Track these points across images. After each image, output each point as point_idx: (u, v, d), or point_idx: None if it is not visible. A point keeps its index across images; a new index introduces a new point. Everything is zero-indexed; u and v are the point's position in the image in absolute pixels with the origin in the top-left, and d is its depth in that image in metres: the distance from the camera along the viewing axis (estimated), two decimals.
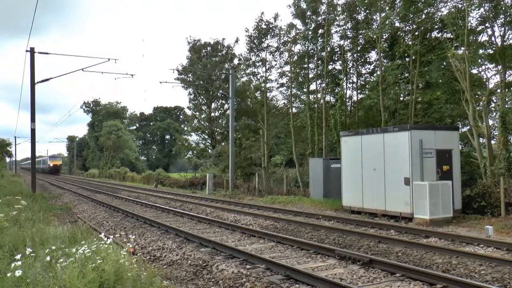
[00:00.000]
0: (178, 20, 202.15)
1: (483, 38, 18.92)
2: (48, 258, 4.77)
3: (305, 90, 29.67)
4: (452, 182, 13.00)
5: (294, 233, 11.28)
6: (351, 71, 27.68)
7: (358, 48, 26.32)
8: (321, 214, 14.36)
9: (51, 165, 77.85)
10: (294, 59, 29.30)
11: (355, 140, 14.98)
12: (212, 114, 44.29)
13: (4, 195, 15.37)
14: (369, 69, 28.02)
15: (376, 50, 23.68)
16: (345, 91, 27.35)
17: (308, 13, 26.68)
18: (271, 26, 30.46)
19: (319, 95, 28.23)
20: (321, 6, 26.13)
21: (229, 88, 27.62)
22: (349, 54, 27.05)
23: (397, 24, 22.45)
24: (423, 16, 20.81)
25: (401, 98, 24.17)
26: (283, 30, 30.03)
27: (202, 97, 43.81)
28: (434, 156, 13.23)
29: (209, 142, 44.98)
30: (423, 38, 21.12)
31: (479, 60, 18.61)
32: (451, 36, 18.96)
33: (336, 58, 27.81)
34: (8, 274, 4.32)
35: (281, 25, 32.02)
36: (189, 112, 50.10)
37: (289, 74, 30.55)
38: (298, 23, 28.07)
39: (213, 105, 44.13)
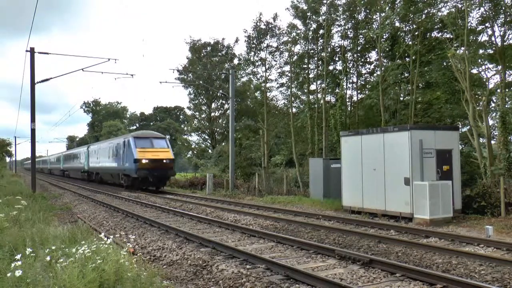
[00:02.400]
0: (178, 20, 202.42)
1: (483, 38, 18.95)
2: (48, 258, 4.77)
3: (305, 90, 29.69)
4: (452, 182, 12.98)
5: (294, 233, 11.27)
6: (351, 71, 27.72)
7: (358, 48, 26.34)
8: (321, 214, 14.36)
9: (144, 160, 25.71)
10: (294, 59, 29.32)
11: (355, 140, 14.97)
12: (212, 114, 44.34)
13: (4, 195, 15.36)
14: (369, 69, 28.08)
15: (376, 50, 23.69)
16: (345, 91, 27.39)
17: (309, 13, 26.70)
18: (270, 26, 30.48)
19: (319, 95, 28.25)
20: (322, 7, 26.15)
21: (229, 88, 27.61)
22: (349, 54, 27.07)
23: (397, 24, 22.48)
24: (423, 16, 20.83)
25: (401, 98, 24.20)
26: (283, 30, 30.08)
27: (202, 97, 43.84)
28: (434, 156, 13.22)
29: (209, 142, 45.04)
30: (423, 38, 21.13)
31: (479, 60, 18.62)
32: (451, 36, 18.98)
33: (336, 58, 27.84)
34: (8, 274, 4.32)
35: (280, 25, 32.05)
36: (189, 112, 50.21)
37: (289, 74, 30.57)
38: (298, 23, 28.12)
39: (213, 105, 44.17)
